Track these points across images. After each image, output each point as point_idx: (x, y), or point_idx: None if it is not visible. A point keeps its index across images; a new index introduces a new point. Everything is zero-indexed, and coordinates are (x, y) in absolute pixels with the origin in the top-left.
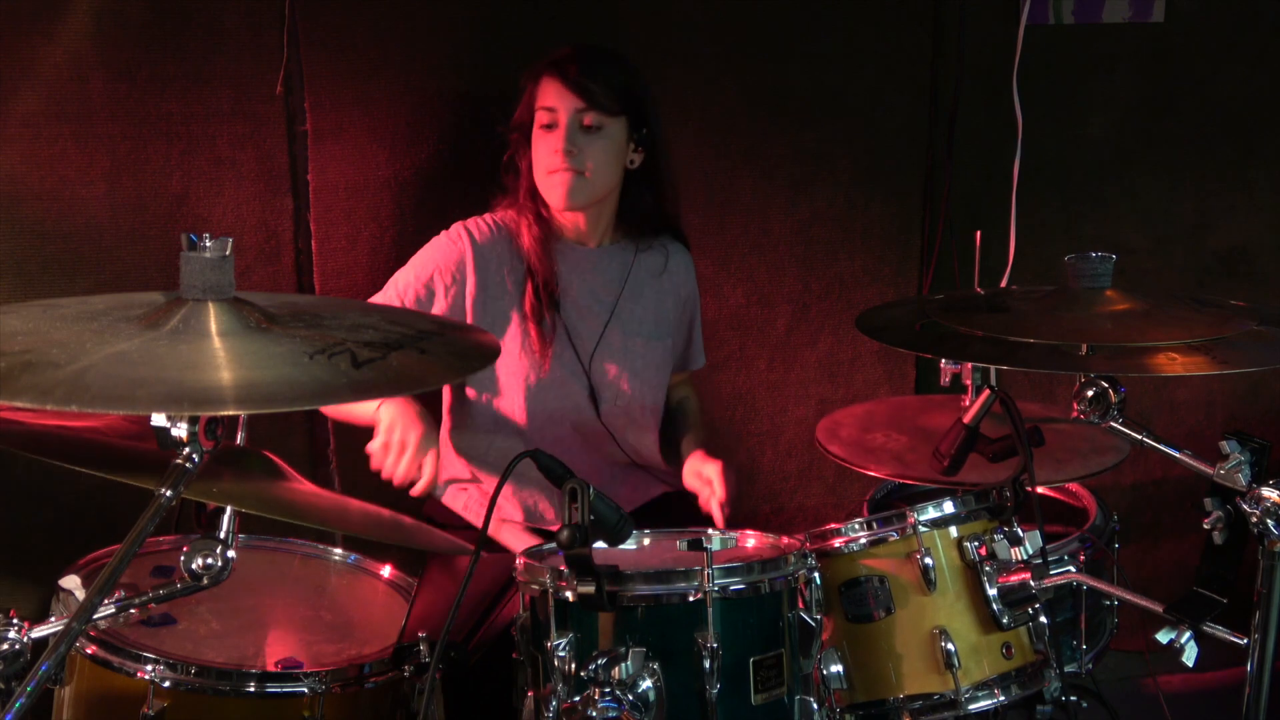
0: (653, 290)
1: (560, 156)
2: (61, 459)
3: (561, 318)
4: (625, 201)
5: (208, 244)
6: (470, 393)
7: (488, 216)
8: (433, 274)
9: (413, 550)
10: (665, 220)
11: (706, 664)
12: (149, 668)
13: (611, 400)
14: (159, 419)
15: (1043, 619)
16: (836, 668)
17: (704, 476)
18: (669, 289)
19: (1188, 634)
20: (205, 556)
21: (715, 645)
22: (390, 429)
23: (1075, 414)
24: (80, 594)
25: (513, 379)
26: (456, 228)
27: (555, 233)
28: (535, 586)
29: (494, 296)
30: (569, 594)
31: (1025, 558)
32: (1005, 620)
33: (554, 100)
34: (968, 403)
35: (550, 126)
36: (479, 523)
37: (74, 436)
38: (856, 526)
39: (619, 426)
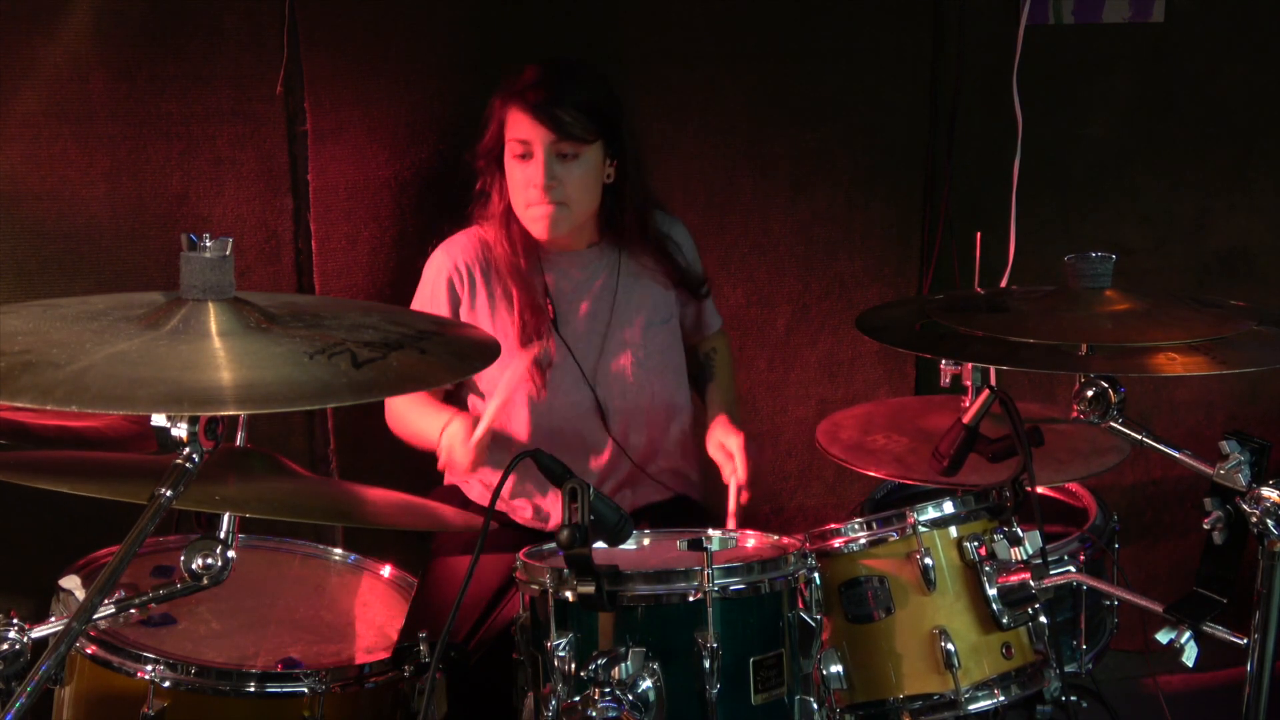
0: (649, 274)
1: (540, 191)
2: (55, 482)
3: (562, 335)
4: (604, 207)
5: (208, 244)
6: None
7: (470, 231)
8: (435, 307)
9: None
10: (645, 222)
11: (706, 664)
12: (149, 668)
13: (618, 408)
14: (159, 419)
15: (1043, 619)
16: (836, 668)
17: (726, 450)
18: (668, 265)
19: (1188, 634)
20: (205, 556)
21: (715, 645)
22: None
23: (1075, 414)
24: (80, 594)
25: (515, 401)
26: (437, 254)
27: (541, 248)
28: (535, 586)
29: (487, 313)
30: (569, 594)
31: (1025, 558)
32: (1005, 620)
33: (526, 133)
34: (968, 403)
35: (525, 157)
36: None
37: (71, 457)
38: (856, 526)
39: (627, 435)
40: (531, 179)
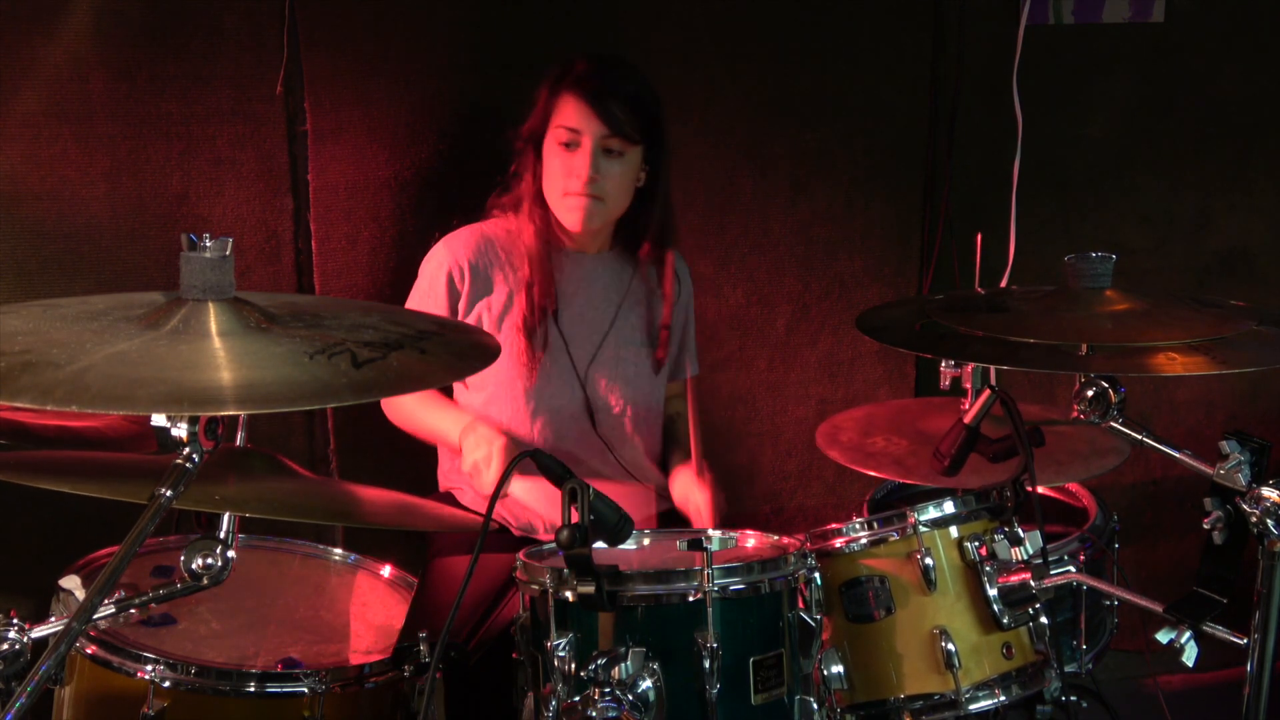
0: (653, 293)
1: (583, 182)
2: (56, 482)
3: (560, 328)
4: (626, 214)
5: (208, 244)
6: (465, 404)
7: (475, 227)
8: (433, 301)
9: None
10: (664, 233)
11: (706, 664)
12: (149, 668)
13: (606, 410)
14: (159, 419)
15: (1043, 619)
16: (837, 668)
17: (694, 504)
18: (673, 292)
19: (1188, 634)
20: (205, 556)
21: (715, 645)
22: (475, 448)
23: (1075, 414)
24: (80, 594)
25: (505, 389)
26: (438, 249)
27: (555, 242)
28: (535, 586)
29: (485, 310)
30: (569, 594)
31: (1025, 558)
32: (1005, 620)
33: (578, 122)
34: (968, 403)
35: (571, 146)
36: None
37: (72, 457)
38: (857, 526)
39: (615, 439)
40: (575, 169)
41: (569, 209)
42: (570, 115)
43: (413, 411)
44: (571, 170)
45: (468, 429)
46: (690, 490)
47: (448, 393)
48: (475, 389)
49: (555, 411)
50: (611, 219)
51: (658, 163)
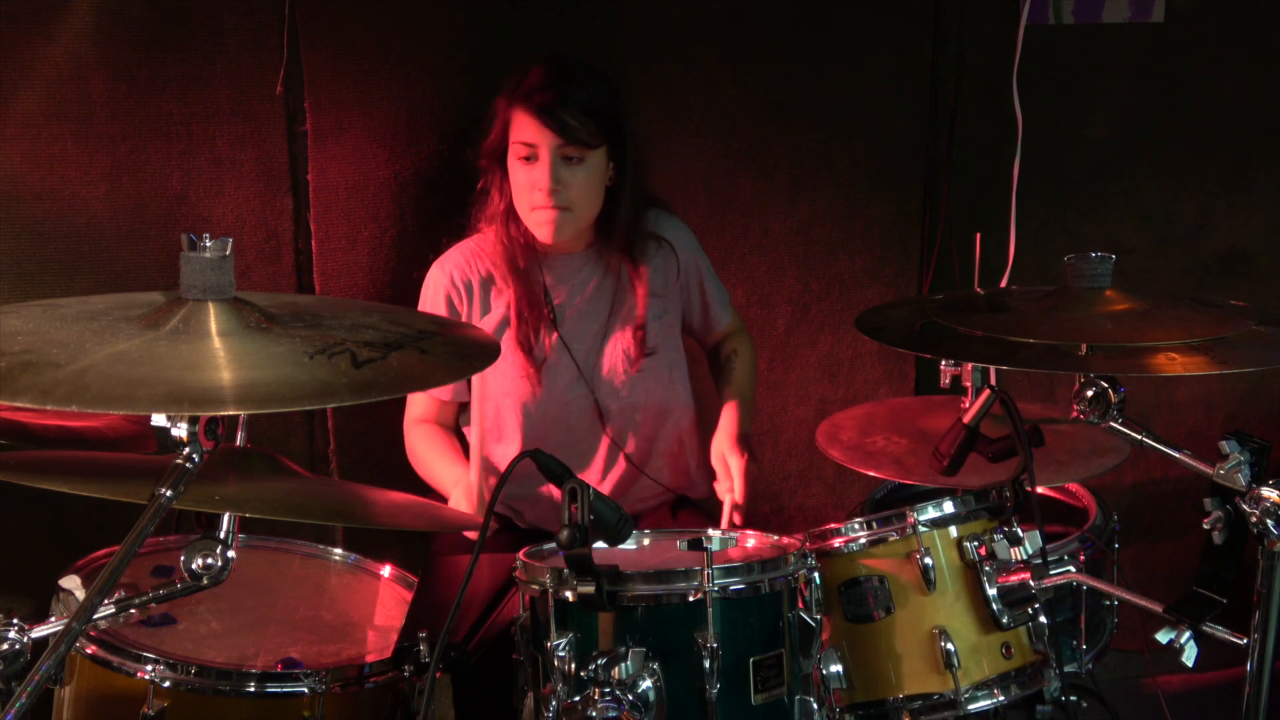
0: (645, 274)
1: (545, 195)
2: (56, 482)
3: (560, 331)
4: (604, 209)
5: (208, 244)
6: (470, 416)
7: (465, 244)
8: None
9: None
10: (642, 223)
11: (706, 664)
12: (149, 668)
13: (615, 405)
14: (159, 419)
15: (1042, 619)
16: (836, 668)
17: (726, 466)
18: (664, 263)
19: (1188, 634)
20: (205, 556)
21: (715, 645)
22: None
23: (1075, 414)
24: (80, 594)
25: (511, 399)
26: (433, 271)
27: (540, 248)
28: (535, 586)
29: (486, 324)
30: (569, 594)
31: (1025, 558)
32: (1005, 620)
33: (532, 136)
34: (968, 403)
35: (530, 159)
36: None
37: (72, 457)
38: (856, 526)
39: (626, 434)
40: (536, 182)
41: (538, 223)
42: (525, 129)
43: (423, 458)
44: (533, 184)
45: (457, 484)
46: (728, 452)
47: (463, 405)
48: (487, 399)
49: (564, 417)
50: (584, 224)
51: (623, 158)
